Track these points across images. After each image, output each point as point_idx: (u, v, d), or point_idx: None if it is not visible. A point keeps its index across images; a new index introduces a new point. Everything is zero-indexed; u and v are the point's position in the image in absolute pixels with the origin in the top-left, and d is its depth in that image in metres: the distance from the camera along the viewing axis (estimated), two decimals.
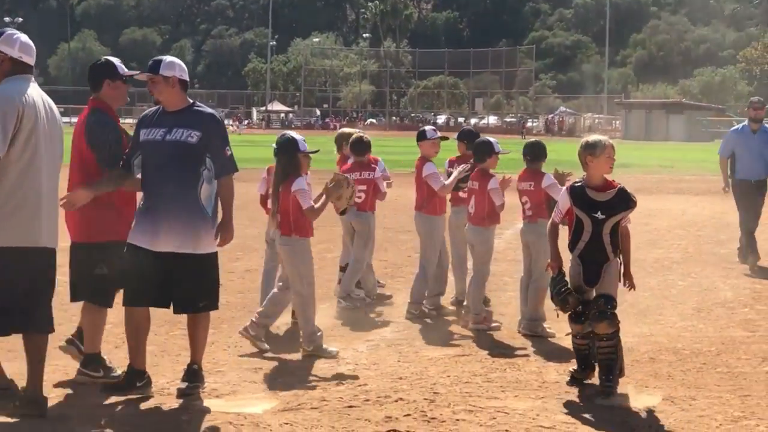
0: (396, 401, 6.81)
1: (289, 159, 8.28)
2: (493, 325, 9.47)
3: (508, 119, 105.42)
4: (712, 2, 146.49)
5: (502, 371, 7.76)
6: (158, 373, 7.48)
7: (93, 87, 7.32)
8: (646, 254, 13.80)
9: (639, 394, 7.09)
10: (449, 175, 10.13)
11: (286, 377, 7.48)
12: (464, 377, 7.53)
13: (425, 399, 6.88)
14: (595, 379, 7.17)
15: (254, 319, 8.47)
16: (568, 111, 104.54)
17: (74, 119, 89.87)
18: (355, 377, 7.50)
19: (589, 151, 7.09)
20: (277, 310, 8.67)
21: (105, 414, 6.42)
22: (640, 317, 9.86)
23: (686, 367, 7.97)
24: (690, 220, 19.56)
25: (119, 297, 7.02)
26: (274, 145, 9.81)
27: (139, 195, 6.99)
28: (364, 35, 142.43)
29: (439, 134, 10.41)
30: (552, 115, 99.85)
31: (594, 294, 7.15)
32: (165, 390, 7.01)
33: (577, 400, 6.95)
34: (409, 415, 6.51)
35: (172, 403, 6.73)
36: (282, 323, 9.52)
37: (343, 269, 10.79)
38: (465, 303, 9.74)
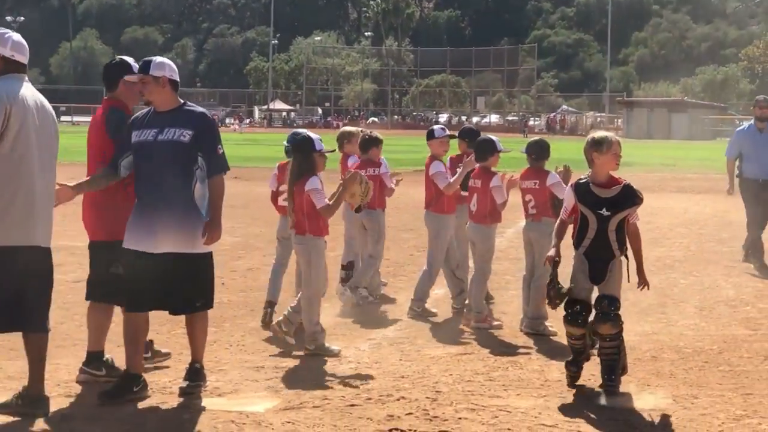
0: (398, 400, 6.81)
1: (305, 158, 8.26)
2: (495, 323, 9.46)
3: (510, 118, 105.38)
4: (714, 0, 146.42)
5: (504, 370, 7.76)
6: (160, 372, 7.49)
7: (108, 86, 7.36)
8: (648, 253, 13.68)
9: (641, 393, 7.09)
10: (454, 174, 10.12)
11: (288, 376, 7.48)
12: (466, 376, 7.53)
13: (427, 398, 6.88)
14: (597, 378, 7.17)
15: (286, 314, 8.47)
16: (570, 110, 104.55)
17: (76, 118, 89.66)
18: (358, 376, 7.49)
19: (596, 147, 7.06)
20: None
21: (107, 413, 6.42)
22: (642, 316, 9.86)
23: (688, 365, 7.96)
24: (692, 218, 19.56)
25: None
26: (285, 143, 9.83)
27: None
28: (365, 34, 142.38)
29: (447, 132, 10.42)
30: (554, 113, 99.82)
31: (592, 295, 7.11)
32: (167, 389, 7.02)
33: (580, 399, 6.95)
34: (411, 413, 6.51)
35: (174, 401, 6.73)
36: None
37: (344, 267, 10.80)
38: (467, 302, 9.73)
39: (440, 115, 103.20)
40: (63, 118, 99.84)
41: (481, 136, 10.11)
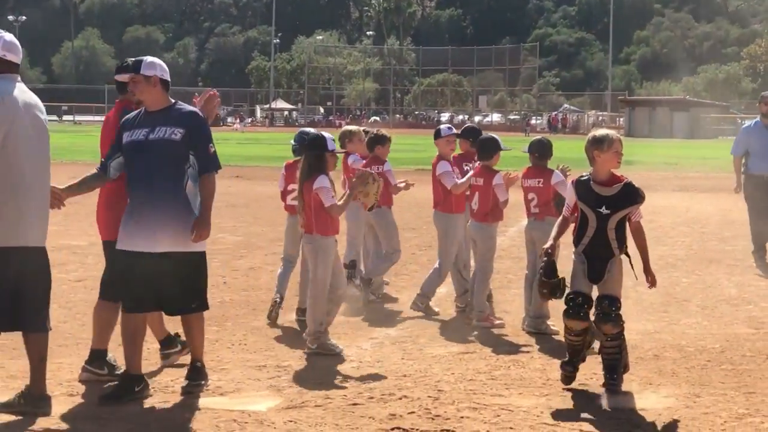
0: (400, 399, 6.81)
1: (316, 157, 8.24)
2: (497, 322, 9.46)
3: (511, 117, 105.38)
4: None
5: (507, 369, 7.75)
6: (163, 370, 7.49)
7: (120, 89, 7.37)
8: (651, 251, 13.64)
9: (643, 392, 7.09)
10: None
11: (291, 375, 7.48)
12: (468, 375, 7.52)
13: (429, 396, 6.88)
14: (599, 378, 7.16)
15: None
16: (572, 108, 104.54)
17: (78, 117, 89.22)
18: (360, 375, 7.49)
19: (597, 145, 7.01)
20: (335, 309, 8.57)
21: (109, 412, 6.42)
22: (644, 314, 9.85)
23: (691, 364, 7.96)
24: (694, 217, 19.55)
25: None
26: (292, 141, 9.83)
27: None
28: (367, 33, 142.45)
29: (454, 131, 10.42)
30: (555, 112, 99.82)
31: (591, 288, 7.07)
32: (169, 388, 7.02)
33: (581, 398, 6.94)
34: (413, 412, 6.51)
35: (176, 400, 6.73)
36: (286, 321, 9.53)
37: (346, 266, 10.79)
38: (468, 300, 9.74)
39: (442, 114, 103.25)
40: (65, 117, 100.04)
41: (483, 135, 10.11)
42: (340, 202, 8.17)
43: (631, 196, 6.98)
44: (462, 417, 6.43)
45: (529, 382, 7.35)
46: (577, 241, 7.10)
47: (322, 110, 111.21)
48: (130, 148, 6.78)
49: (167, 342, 7.68)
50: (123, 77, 7.01)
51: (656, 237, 15.80)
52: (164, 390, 6.96)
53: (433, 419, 6.38)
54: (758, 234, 13.25)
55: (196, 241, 6.69)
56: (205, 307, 6.99)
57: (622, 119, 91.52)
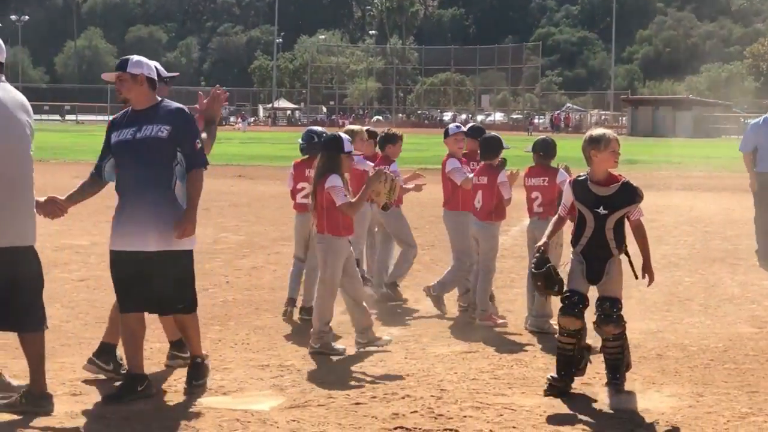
0: (403, 398, 6.81)
1: (331, 157, 8.22)
2: (500, 321, 9.46)
3: (514, 116, 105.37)
4: None
5: (509, 368, 7.75)
6: (166, 370, 7.49)
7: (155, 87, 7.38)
8: (653, 251, 13.63)
9: (646, 391, 7.08)
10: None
11: (293, 374, 7.48)
12: (471, 374, 7.52)
13: (432, 396, 6.87)
14: (601, 377, 7.16)
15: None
16: (575, 108, 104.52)
17: (81, 117, 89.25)
18: (362, 374, 7.49)
19: (594, 145, 6.94)
20: (358, 311, 8.47)
21: (112, 412, 6.42)
22: (647, 314, 9.85)
23: (693, 363, 7.95)
24: (697, 216, 19.53)
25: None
26: (299, 140, 9.83)
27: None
28: (370, 32, 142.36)
29: (463, 129, 10.41)
30: (558, 111, 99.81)
31: (587, 288, 7.02)
32: (172, 387, 7.02)
33: (584, 397, 6.93)
34: (416, 411, 6.51)
35: (179, 400, 6.74)
36: (289, 320, 9.54)
37: None
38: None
39: (445, 114, 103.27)
40: (68, 117, 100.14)
41: (486, 134, 10.10)
42: (353, 201, 8.15)
43: (629, 195, 6.92)
44: (465, 416, 6.42)
45: (532, 381, 7.34)
46: (575, 242, 7.05)
47: (324, 110, 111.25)
48: (118, 148, 6.78)
49: (179, 344, 7.56)
50: (109, 76, 6.99)
51: (659, 236, 15.80)
52: (167, 389, 6.96)
53: (435, 418, 6.37)
54: (765, 233, 13.20)
55: (179, 238, 6.63)
56: (193, 308, 6.93)
57: (624, 118, 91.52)
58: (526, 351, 8.40)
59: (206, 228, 15.19)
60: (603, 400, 6.86)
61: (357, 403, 6.68)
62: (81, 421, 6.25)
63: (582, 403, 6.79)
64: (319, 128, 10.10)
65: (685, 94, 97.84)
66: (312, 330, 8.27)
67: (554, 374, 7.00)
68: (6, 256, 6.19)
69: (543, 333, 9.00)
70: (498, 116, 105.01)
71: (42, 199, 6.69)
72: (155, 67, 7.47)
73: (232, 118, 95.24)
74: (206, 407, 6.56)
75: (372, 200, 8.79)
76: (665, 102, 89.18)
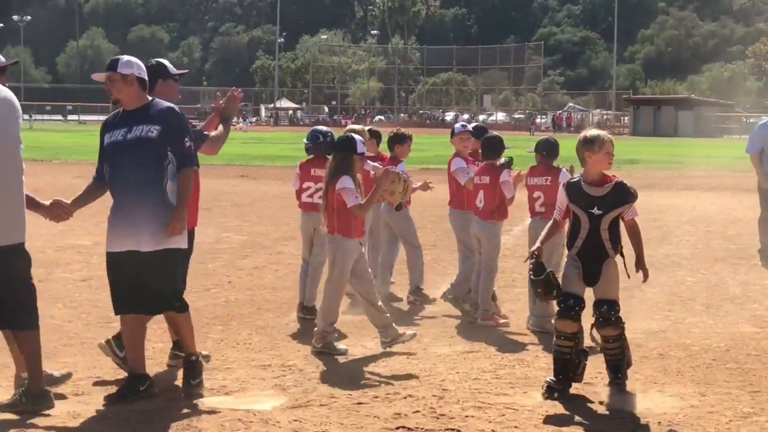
0: (405, 398, 6.81)
1: (343, 158, 8.21)
2: (502, 321, 9.46)
3: (516, 116, 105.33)
4: None
5: (511, 368, 7.75)
6: (168, 370, 7.49)
7: (146, 88, 7.38)
8: (655, 250, 13.77)
9: (648, 391, 7.07)
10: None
11: (295, 374, 7.48)
12: (473, 374, 7.52)
13: (434, 396, 6.87)
14: (603, 377, 7.16)
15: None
16: (577, 107, 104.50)
17: (83, 117, 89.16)
18: (364, 374, 7.50)
19: (587, 146, 6.91)
20: (374, 314, 8.42)
21: (114, 412, 6.42)
22: (649, 313, 9.84)
23: (695, 363, 7.95)
24: (699, 216, 19.52)
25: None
26: (305, 140, 9.81)
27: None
28: (372, 32, 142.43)
29: (468, 128, 10.40)
30: (560, 111, 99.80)
31: (584, 290, 6.97)
32: (175, 387, 7.02)
33: (586, 397, 6.93)
34: (418, 411, 6.50)
35: (181, 399, 6.74)
36: (291, 320, 9.54)
37: None
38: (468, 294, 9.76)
39: (447, 114, 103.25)
40: (70, 117, 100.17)
41: (488, 134, 10.10)
42: (363, 202, 8.15)
43: (623, 195, 6.89)
44: (467, 416, 6.42)
45: (534, 381, 7.34)
46: (570, 244, 7.01)
47: (326, 109, 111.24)
48: (110, 149, 6.78)
49: (178, 345, 7.56)
50: (100, 76, 6.99)
51: (661, 236, 15.81)
52: (169, 389, 6.96)
53: (437, 418, 6.37)
54: None
55: (169, 236, 6.60)
56: (184, 308, 6.87)
57: (626, 118, 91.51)
58: (528, 351, 8.40)
59: (208, 228, 15.20)
60: (605, 400, 6.86)
61: (359, 403, 6.68)
62: (83, 421, 6.25)
63: (584, 403, 6.79)
64: (324, 128, 10.08)
65: (686, 93, 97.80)
66: (315, 329, 8.27)
67: (552, 377, 6.99)
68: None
69: (545, 333, 8.98)
70: (500, 116, 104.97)
71: (47, 202, 6.70)
72: (165, 65, 7.50)
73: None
74: (208, 407, 6.56)
75: (383, 201, 8.78)
76: (667, 102, 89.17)
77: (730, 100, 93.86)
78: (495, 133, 10.14)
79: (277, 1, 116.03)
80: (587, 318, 7.01)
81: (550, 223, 7.33)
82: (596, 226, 6.88)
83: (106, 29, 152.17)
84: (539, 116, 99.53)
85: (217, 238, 15.14)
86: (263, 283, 11.59)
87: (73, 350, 8.11)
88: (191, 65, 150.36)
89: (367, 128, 11.02)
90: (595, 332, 6.98)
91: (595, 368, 7.31)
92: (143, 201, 6.60)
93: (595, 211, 6.86)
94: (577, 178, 7.03)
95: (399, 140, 10.65)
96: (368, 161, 10.33)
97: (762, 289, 11.42)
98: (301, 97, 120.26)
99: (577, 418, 6.45)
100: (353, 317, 9.68)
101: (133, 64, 6.82)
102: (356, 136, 8.41)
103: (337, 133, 10.00)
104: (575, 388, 7.04)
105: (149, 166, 6.63)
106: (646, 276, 7.05)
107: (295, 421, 6.29)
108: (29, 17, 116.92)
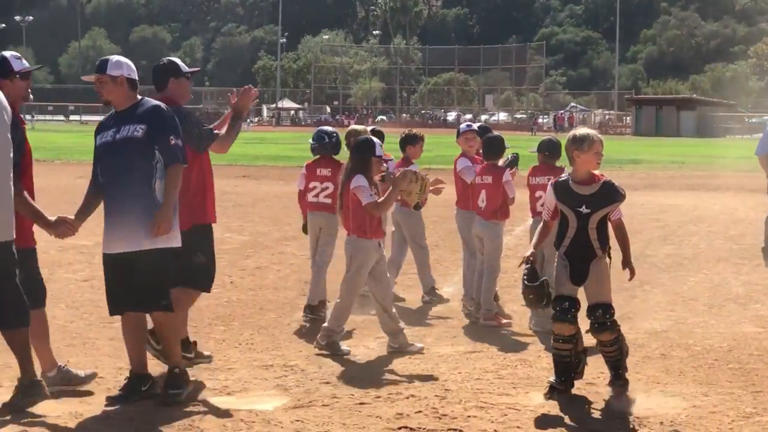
0: (407, 398, 6.81)
1: (361, 159, 8.20)
2: (505, 321, 9.46)
3: (518, 116, 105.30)
4: None
5: (513, 368, 7.75)
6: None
7: (159, 87, 7.44)
8: (658, 250, 13.76)
9: (650, 391, 7.07)
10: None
11: (298, 374, 7.48)
12: (475, 374, 7.52)
13: (436, 396, 6.87)
14: (605, 377, 7.15)
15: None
16: (579, 107, 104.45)
17: (85, 117, 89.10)
18: (367, 374, 7.49)
19: (577, 145, 6.85)
20: (395, 320, 8.41)
21: (116, 412, 6.43)
22: (651, 313, 9.84)
23: (698, 363, 7.95)
24: (701, 215, 19.51)
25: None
26: (310, 141, 9.81)
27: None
28: (374, 32, 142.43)
29: (473, 127, 10.38)
30: (562, 111, 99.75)
31: (576, 291, 6.92)
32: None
33: (588, 397, 6.93)
34: (420, 411, 6.51)
35: (183, 399, 6.73)
36: (293, 320, 9.53)
37: None
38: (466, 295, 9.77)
39: (449, 114, 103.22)
40: (72, 117, 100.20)
41: (489, 134, 10.10)
42: (380, 201, 8.12)
43: (611, 194, 6.83)
44: (469, 416, 6.42)
45: (536, 381, 7.34)
46: (558, 243, 6.96)
47: (328, 110, 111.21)
48: (101, 151, 6.79)
49: (184, 344, 7.45)
50: (89, 77, 6.98)
51: (663, 236, 15.80)
52: None
53: (440, 418, 6.37)
54: None
55: (155, 236, 6.55)
56: (169, 308, 6.79)
57: (628, 118, 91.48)
58: (530, 351, 8.40)
59: None
60: (607, 400, 6.85)
61: (361, 403, 6.68)
62: (85, 421, 6.25)
63: (585, 403, 6.79)
64: (329, 128, 10.07)
65: (689, 93, 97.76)
66: (323, 325, 8.26)
67: (554, 378, 6.97)
68: None
69: (547, 333, 8.97)
70: (502, 116, 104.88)
71: (53, 219, 6.70)
72: (177, 63, 7.49)
73: None
74: (210, 407, 6.57)
75: (402, 200, 8.77)
76: (669, 102, 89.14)
77: (732, 100, 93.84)
78: (496, 133, 10.14)
79: (279, 2, 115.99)
80: (585, 319, 6.99)
81: (540, 225, 7.25)
82: (584, 225, 6.83)
83: (108, 30, 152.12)
84: (541, 116, 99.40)
85: (218, 239, 15.09)
86: (265, 283, 11.59)
87: (75, 350, 8.12)
88: (193, 65, 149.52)
89: (369, 128, 11.01)
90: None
91: (597, 368, 7.31)
92: (132, 201, 6.59)
93: (583, 209, 6.81)
94: (565, 177, 7.00)
95: (411, 141, 10.62)
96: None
97: (765, 289, 11.42)
98: (303, 97, 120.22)
99: (578, 418, 6.46)
100: (354, 317, 9.68)
101: (123, 64, 6.80)
102: (375, 139, 8.39)
103: (341, 133, 10.01)
104: (577, 389, 7.03)
105: (137, 165, 6.62)
106: (632, 274, 7.02)
107: (298, 421, 6.29)
108: (31, 18, 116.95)
